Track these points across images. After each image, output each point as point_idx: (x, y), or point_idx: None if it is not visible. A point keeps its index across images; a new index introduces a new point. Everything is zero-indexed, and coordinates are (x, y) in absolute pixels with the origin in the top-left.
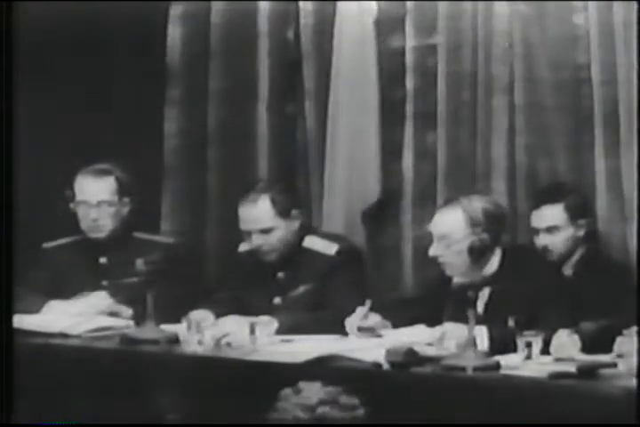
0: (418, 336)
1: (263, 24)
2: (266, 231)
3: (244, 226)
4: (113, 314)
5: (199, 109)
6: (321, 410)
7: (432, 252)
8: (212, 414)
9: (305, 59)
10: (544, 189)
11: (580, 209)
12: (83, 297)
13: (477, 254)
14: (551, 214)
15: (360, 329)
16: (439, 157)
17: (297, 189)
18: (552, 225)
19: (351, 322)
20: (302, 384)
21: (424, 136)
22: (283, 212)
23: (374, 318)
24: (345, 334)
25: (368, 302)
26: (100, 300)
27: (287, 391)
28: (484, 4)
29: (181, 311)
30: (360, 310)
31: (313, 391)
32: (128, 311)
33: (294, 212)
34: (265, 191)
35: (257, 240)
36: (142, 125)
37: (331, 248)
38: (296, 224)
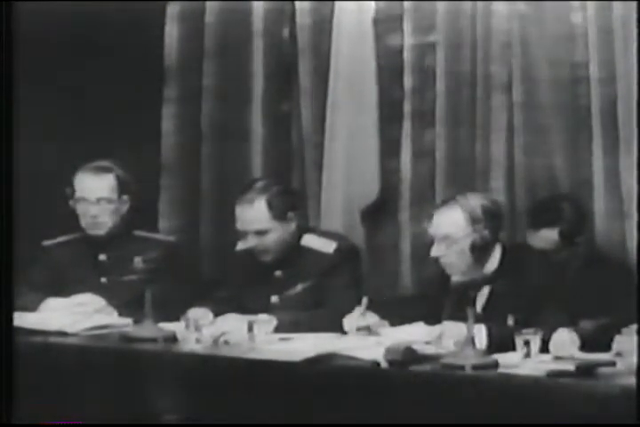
0: (416, 334)
1: (258, 23)
2: (261, 233)
3: (240, 226)
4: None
5: (196, 108)
6: None
7: (434, 252)
8: (210, 413)
9: (301, 57)
10: (542, 210)
11: (577, 229)
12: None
13: (480, 252)
14: (548, 238)
15: (358, 329)
16: (437, 155)
17: (294, 191)
18: (548, 248)
19: (349, 322)
20: None
21: (422, 135)
22: (279, 215)
23: (372, 318)
24: (343, 332)
25: (365, 301)
26: (89, 300)
27: None
28: (482, 3)
29: (180, 309)
30: (357, 310)
31: None
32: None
33: (290, 214)
34: (262, 193)
35: (252, 240)
36: (140, 123)
37: (329, 246)
38: (292, 226)
